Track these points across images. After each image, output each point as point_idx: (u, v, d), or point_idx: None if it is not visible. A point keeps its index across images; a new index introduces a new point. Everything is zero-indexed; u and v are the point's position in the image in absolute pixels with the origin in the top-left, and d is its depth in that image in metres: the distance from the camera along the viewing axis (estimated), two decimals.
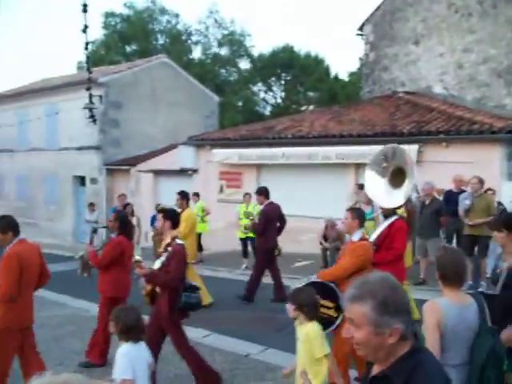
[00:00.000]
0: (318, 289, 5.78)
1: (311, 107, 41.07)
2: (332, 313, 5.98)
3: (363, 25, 21.92)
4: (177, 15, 43.65)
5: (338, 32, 68.78)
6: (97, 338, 7.34)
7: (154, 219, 16.31)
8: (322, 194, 16.22)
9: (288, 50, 43.42)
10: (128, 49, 43.16)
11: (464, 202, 11.49)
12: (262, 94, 45.46)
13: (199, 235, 15.53)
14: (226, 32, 43.65)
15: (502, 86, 17.15)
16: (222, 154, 18.98)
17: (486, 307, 4.08)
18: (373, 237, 7.20)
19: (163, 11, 43.32)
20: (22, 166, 27.72)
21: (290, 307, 4.97)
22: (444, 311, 3.87)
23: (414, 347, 2.34)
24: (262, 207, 11.41)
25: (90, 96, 20.11)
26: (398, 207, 7.51)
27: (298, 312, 4.90)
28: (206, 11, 43.62)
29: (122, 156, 24.32)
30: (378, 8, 21.36)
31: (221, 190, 19.40)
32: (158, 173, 22.09)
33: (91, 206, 20.91)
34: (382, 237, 7.19)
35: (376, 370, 2.41)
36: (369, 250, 6.36)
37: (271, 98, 45.45)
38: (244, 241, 15.32)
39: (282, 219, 11.53)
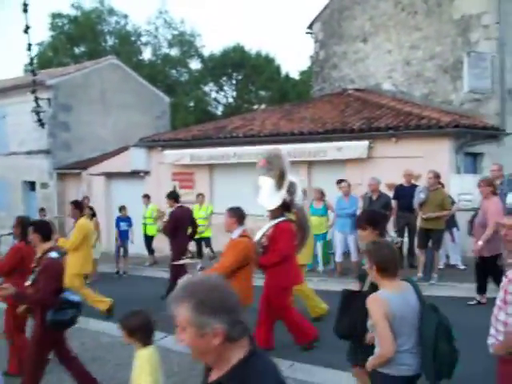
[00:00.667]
0: None
1: (263, 106, 41.20)
2: None
3: (312, 23, 22.07)
4: (126, 16, 43.24)
5: (288, 31, 69.14)
6: (14, 348, 7.20)
7: (118, 222, 16.29)
8: None
9: (239, 50, 43.45)
10: (77, 50, 42.52)
11: (419, 196, 11.71)
12: (213, 94, 45.40)
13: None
14: (175, 32, 43.44)
15: (448, 81, 17.46)
16: (173, 154, 18.87)
17: (419, 289, 4.30)
18: (256, 236, 7.23)
19: (112, 12, 42.86)
20: None
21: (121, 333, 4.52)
22: (389, 302, 4.04)
23: (250, 352, 2.32)
24: (171, 210, 11.61)
25: (37, 99, 19.75)
26: (281, 208, 7.47)
27: (130, 339, 4.46)
28: (155, 12, 43.29)
29: (73, 159, 23.98)
30: (327, 6, 21.53)
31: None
32: (109, 175, 21.84)
33: (42, 211, 20.56)
34: (267, 239, 7.21)
35: (213, 376, 2.39)
36: (248, 245, 6.41)
37: (223, 98, 45.45)
38: (198, 241, 15.29)
39: (193, 223, 11.87)
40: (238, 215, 6.54)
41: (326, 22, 21.54)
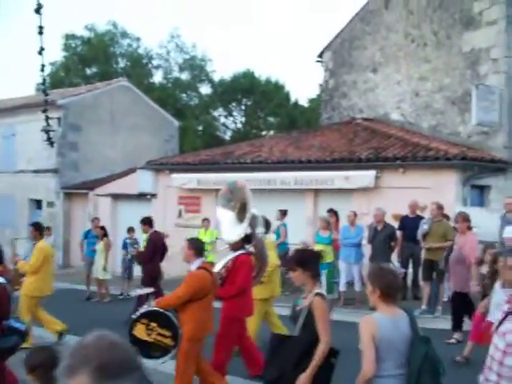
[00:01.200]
0: (156, 317, 6.14)
1: (271, 132, 41.36)
2: (168, 342, 6.15)
3: (323, 52, 22.24)
4: (138, 39, 43.60)
5: (299, 58, 69.60)
6: None
7: (125, 243, 16.28)
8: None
9: (249, 76, 43.74)
10: (88, 71, 42.89)
11: (423, 227, 11.71)
12: (222, 119, 45.63)
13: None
14: (187, 57, 43.76)
15: (456, 113, 17.51)
16: (180, 178, 18.93)
17: (415, 320, 4.31)
18: (216, 268, 7.27)
19: (124, 34, 43.23)
20: None
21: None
22: (378, 324, 4.11)
23: None
24: (147, 236, 11.90)
25: (47, 118, 19.87)
26: (242, 241, 7.42)
27: (30, 375, 4.23)
28: (167, 36, 43.63)
29: (81, 179, 24.08)
30: (338, 36, 21.71)
31: (179, 215, 19.31)
32: (116, 197, 21.91)
33: (47, 230, 20.54)
34: (227, 271, 7.27)
35: None
36: (204, 278, 6.37)
37: (231, 123, 45.66)
38: None
39: (164, 247, 12.15)
40: (195, 247, 6.55)
41: (337, 51, 21.70)
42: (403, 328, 4.18)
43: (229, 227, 7.51)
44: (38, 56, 12.81)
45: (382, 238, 12.21)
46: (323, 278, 13.40)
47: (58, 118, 23.00)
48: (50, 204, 24.14)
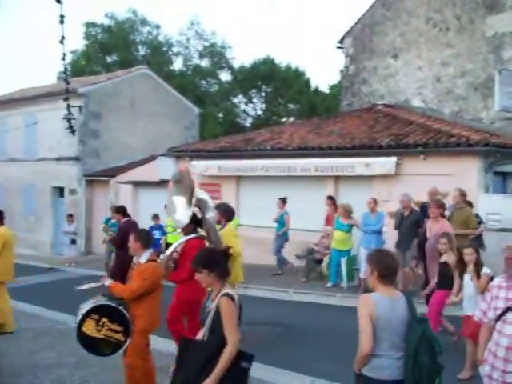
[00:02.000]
0: (107, 312, 5.91)
1: (291, 119, 41.25)
2: (120, 337, 5.95)
3: (343, 38, 22.09)
4: (158, 26, 43.67)
5: (319, 45, 69.18)
6: None
7: (151, 230, 16.33)
8: (301, 207, 16.22)
9: (269, 62, 43.61)
10: (109, 59, 43.04)
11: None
12: (242, 106, 45.58)
13: None
14: (206, 44, 43.73)
15: (478, 99, 17.33)
16: (201, 165, 18.96)
17: (412, 302, 4.36)
18: (167, 252, 7.30)
19: (144, 22, 43.31)
20: (1, 176, 27.50)
21: None
22: (376, 303, 4.18)
23: None
24: (119, 223, 12.15)
25: (69, 107, 20.03)
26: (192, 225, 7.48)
27: None
28: (187, 23, 43.63)
29: (102, 167, 24.22)
30: (358, 21, 21.54)
31: None
32: (137, 184, 22.03)
33: (70, 217, 20.81)
34: (178, 255, 7.34)
35: None
36: (156, 271, 6.28)
37: (252, 110, 45.59)
38: None
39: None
40: (142, 239, 6.36)
41: (357, 37, 21.54)
42: (400, 309, 4.24)
43: (181, 212, 7.52)
44: (59, 45, 12.88)
45: (409, 224, 12.11)
46: (343, 266, 13.44)
47: (79, 106, 23.14)
48: (72, 191, 24.33)
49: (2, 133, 26.67)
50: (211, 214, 7.96)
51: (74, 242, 20.84)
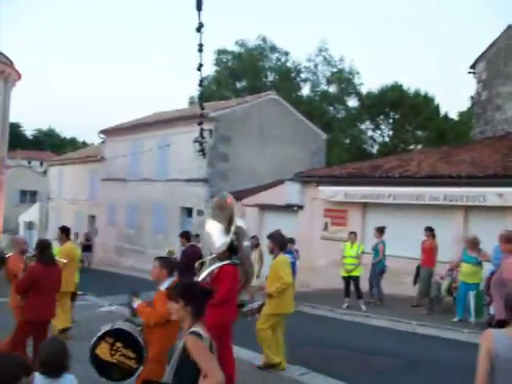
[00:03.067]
0: (122, 337, 5.81)
1: (419, 146, 40.47)
2: (132, 364, 5.84)
3: (475, 62, 21.47)
4: (286, 53, 44.43)
5: (449, 70, 67.75)
6: None
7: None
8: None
9: (397, 89, 43.15)
10: (238, 85, 44.18)
11: None
12: (369, 132, 45.26)
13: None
14: (334, 70, 43.90)
15: None
16: (327, 191, 18.95)
17: None
18: (201, 276, 7.21)
19: (273, 49, 44.17)
20: (133, 195, 28.79)
21: None
22: (495, 339, 3.99)
23: None
24: (183, 248, 12.70)
25: (202, 130, 20.73)
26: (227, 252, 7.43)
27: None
28: (315, 49, 44.08)
29: (229, 189, 24.68)
30: (492, 45, 20.87)
31: (325, 227, 19.34)
32: (263, 207, 22.33)
33: (197, 237, 21.35)
34: (211, 279, 7.28)
35: None
36: None
37: (379, 137, 45.16)
38: (347, 279, 15.19)
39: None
40: (169, 267, 6.37)
41: (491, 62, 20.86)
42: None
43: (217, 238, 7.59)
44: (191, 71, 13.38)
45: None
46: (471, 300, 12.93)
47: (210, 130, 23.83)
48: (200, 212, 25.00)
49: (137, 154, 27.96)
50: (246, 243, 8.02)
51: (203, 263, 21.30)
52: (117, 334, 5.92)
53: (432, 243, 14.65)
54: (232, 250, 7.56)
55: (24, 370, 3.27)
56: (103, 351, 5.85)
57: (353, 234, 15.63)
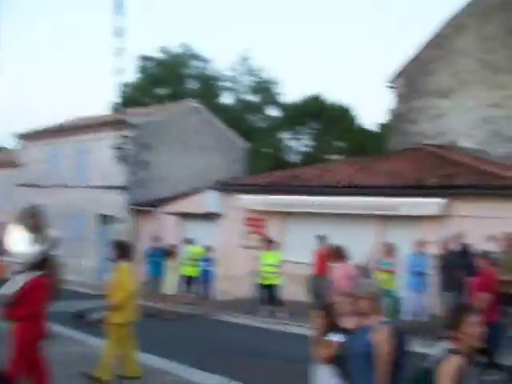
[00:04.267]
0: None
1: (339, 157, 41.14)
2: None
3: (393, 76, 22.02)
4: (207, 61, 44.35)
5: (369, 83, 69.36)
6: None
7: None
8: (347, 245, 16.07)
9: (318, 99, 43.65)
10: (160, 92, 43.81)
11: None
12: (290, 142, 45.62)
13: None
14: (256, 79, 44.12)
15: None
16: (247, 199, 19.02)
17: None
18: (12, 289, 7.00)
19: (194, 56, 44.04)
20: (50, 201, 27.99)
21: None
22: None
23: None
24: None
25: (121, 137, 20.45)
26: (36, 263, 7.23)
27: None
28: (238, 58, 44.07)
29: (149, 197, 24.46)
30: (409, 60, 21.47)
31: (245, 236, 19.38)
32: (183, 215, 22.18)
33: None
34: (20, 291, 6.99)
35: None
36: None
37: (300, 147, 45.58)
38: (263, 287, 15.23)
39: None
40: None
41: (407, 77, 21.43)
42: None
43: (22, 247, 7.31)
44: (114, 76, 13.20)
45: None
46: (387, 306, 13.21)
47: (130, 137, 23.50)
48: (118, 219, 24.60)
49: (54, 159, 27.37)
50: (58, 252, 7.86)
51: None
52: None
53: (324, 251, 14.59)
54: (42, 260, 7.27)
55: None
56: None
57: (268, 241, 15.65)
